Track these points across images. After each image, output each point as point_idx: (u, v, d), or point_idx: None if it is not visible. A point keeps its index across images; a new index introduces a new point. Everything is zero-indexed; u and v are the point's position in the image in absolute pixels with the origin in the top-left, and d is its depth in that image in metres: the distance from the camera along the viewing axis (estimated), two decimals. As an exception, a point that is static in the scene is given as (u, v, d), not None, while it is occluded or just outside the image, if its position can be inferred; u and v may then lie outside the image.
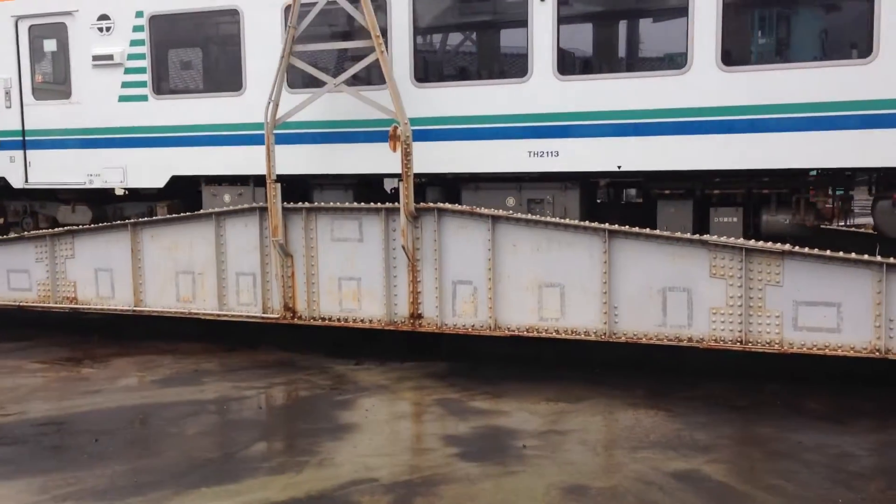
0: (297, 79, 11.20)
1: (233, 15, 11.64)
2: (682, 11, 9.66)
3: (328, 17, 10.63)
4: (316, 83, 10.90)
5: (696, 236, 9.09)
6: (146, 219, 11.54)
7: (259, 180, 11.57)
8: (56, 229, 12.02)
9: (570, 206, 10.38)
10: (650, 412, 8.18)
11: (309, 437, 7.66)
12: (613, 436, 7.62)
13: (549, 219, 9.71)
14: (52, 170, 12.78)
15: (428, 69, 10.80)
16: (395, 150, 10.03)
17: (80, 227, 11.85)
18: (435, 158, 10.42)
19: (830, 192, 10.05)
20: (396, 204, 10.05)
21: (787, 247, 8.73)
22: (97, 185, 12.51)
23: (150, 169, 12.19)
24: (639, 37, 10.79)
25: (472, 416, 8.19)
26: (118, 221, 11.84)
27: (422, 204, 10.10)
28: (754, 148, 9.46)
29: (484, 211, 9.89)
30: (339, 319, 10.52)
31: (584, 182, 10.55)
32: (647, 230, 9.31)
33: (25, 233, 12.39)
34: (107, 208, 13.16)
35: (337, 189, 11.43)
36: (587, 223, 9.52)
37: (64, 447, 7.57)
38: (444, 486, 6.44)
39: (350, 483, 6.53)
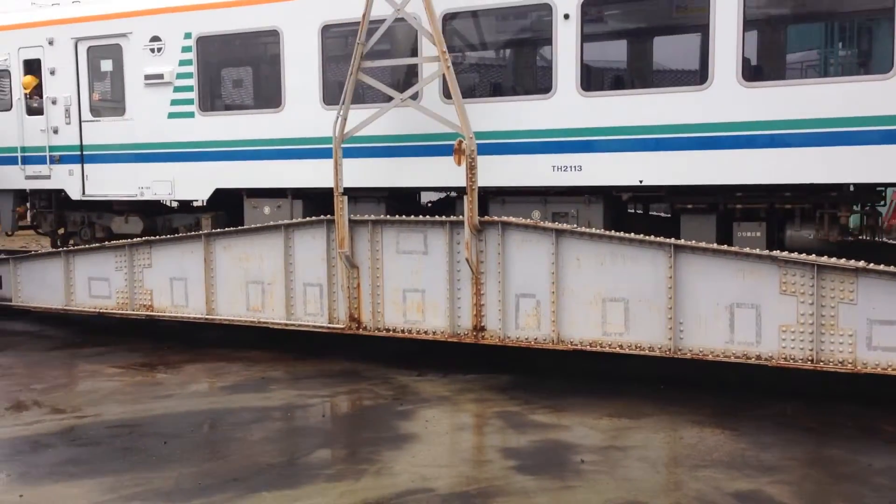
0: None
1: (273, 36, 12.20)
2: (704, 28, 9.74)
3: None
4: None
5: (766, 252, 8.89)
6: (219, 230, 11.87)
7: (296, 193, 12.25)
8: (135, 239, 12.47)
9: (593, 220, 10.50)
10: (715, 430, 8.01)
11: (369, 446, 7.75)
12: (675, 453, 7.49)
13: (613, 233, 9.63)
14: (107, 182, 13.53)
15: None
16: (459, 163, 10.12)
17: (158, 237, 12.27)
18: (481, 172, 10.56)
19: (857, 207, 9.96)
20: (461, 217, 10.12)
21: (862, 263, 8.46)
22: (147, 197, 13.23)
23: (196, 182, 12.82)
24: (661, 53, 10.95)
25: (532, 429, 8.16)
26: (192, 233, 12.21)
27: (486, 217, 10.15)
28: (774, 163, 9.49)
29: (548, 225, 9.87)
30: (402, 330, 10.63)
31: (608, 196, 10.68)
32: (715, 245, 9.15)
33: (106, 242, 12.89)
34: (157, 219, 13.84)
35: (369, 202, 11.80)
36: (652, 238, 9.42)
37: (134, 449, 7.84)
38: (499, 498, 6.44)
39: (406, 492, 6.58)
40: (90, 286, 12.75)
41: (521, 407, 8.90)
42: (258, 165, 12.33)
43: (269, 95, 12.47)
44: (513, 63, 11.45)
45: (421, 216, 10.65)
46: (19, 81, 14.18)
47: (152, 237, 12.34)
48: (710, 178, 9.84)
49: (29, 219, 15.16)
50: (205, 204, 13.20)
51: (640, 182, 10.17)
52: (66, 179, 13.92)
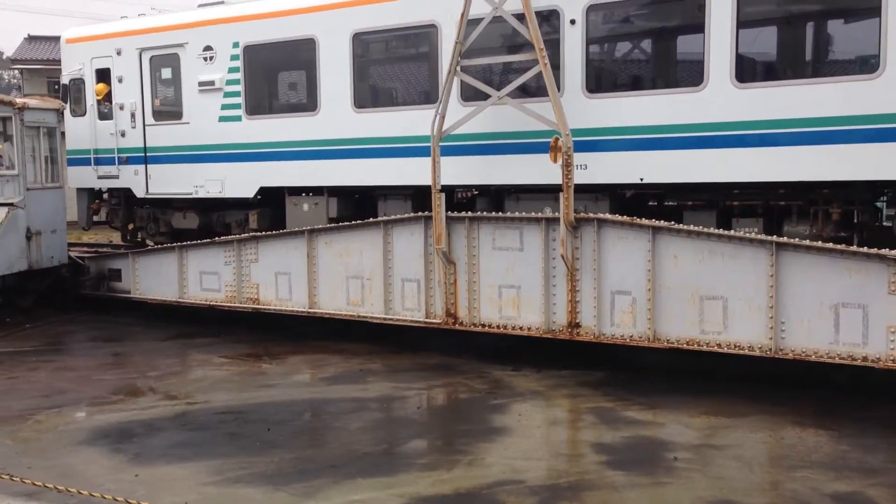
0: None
1: (310, 43, 12.90)
2: (699, 28, 10.00)
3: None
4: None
5: (874, 250, 8.57)
6: (321, 226, 12.26)
7: (332, 191, 13.05)
8: (243, 235, 13.01)
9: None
10: (816, 431, 7.81)
11: (463, 438, 7.90)
12: (772, 453, 7.35)
13: (712, 230, 9.49)
14: (167, 181, 14.61)
15: (477, 90, 11.17)
16: (555, 161, 10.16)
17: (264, 233, 12.77)
18: (484, 171, 11.10)
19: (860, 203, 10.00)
20: (557, 214, 10.15)
21: (978, 262, 8.08)
22: (201, 195, 14.23)
23: (243, 181, 13.75)
24: (658, 55, 11.22)
25: (625, 425, 8.14)
26: (297, 229, 12.65)
27: (581, 214, 10.15)
28: (766, 161, 9.70)
29: (644, 222, 9.79)
30: (498, 326, 10.74)
31: (613, 193, 10.97)
32: (819, 244, 8.89)
33: (217, 238, 13.52)
34: (212, 215, 14.76)
35: (398, 199, 12.56)
36: (753, 235, 9.23)
37: (240, 434, 8.23)
38: (588, 492, 6.48)
39: (497, 483, 6.70)
40: (201, 280, 13.38)
41: (614, 403, 8.88)
42: (297, 165, 13.21)
43: (306, 99, 13.28)
44: (525, 66, 11.51)
45: (519, 213, 10.75)
46: (92, 89, 15.40)
47: (259, 233, 12.86)
48: (706, 176, 10.16)
49: (104, 215, 16.52)
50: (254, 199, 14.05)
51: (641, 180, 10.49)
52: (132, 179, 15.11)
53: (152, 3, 16.70)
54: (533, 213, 10.67)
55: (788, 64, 10.24)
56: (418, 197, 12.32)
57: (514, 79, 10.98)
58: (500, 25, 10.85)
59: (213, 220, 14.86)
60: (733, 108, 9.92)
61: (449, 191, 11.98)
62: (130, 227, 16.09)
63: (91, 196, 15.99)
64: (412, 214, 11.35)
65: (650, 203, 11.56)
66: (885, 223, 10.46)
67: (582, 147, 10.57)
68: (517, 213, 10.75)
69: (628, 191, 10.98)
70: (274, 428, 8.30)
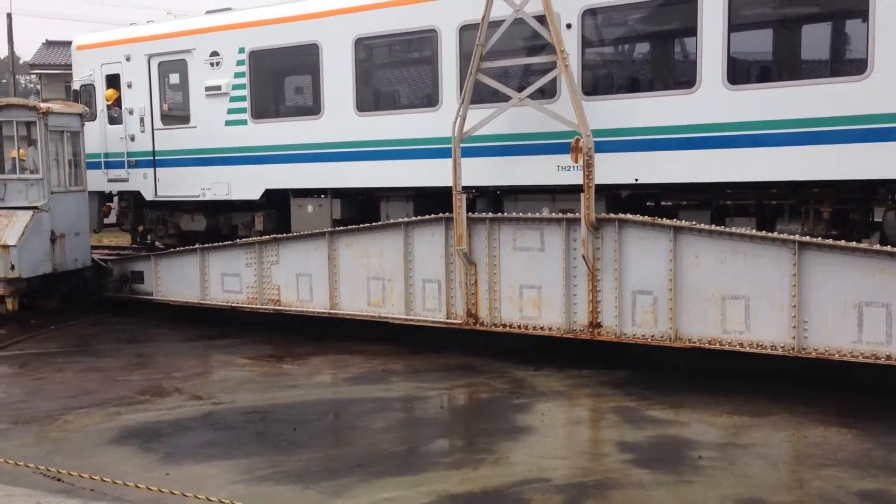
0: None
1: (313, 49, 13.21)
2: (692, 32, 10.22)
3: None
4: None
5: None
6: (342, 228, 12.35)
7: (335, 192, 13.36)
8: (264, 237, 13.12)
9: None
10: (840, 430, 7.82)
11: (486, 437, 7.95)
12: (797, 452, 7.37)
13: (734, 230, 9.52)
14: (175, 184, 14.93)
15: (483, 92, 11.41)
16: (576, 161, 10.21)
17: (285, 235, 12.88)
18: (483, 172, 11.26)
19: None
20: (577, 214, 10.19)
21: None
22: (208, 197, 14.54)
23: (249, 183, 14.07)
24: (651, 58, 11.47)
25: (649, 424, 8.17)
26: (317, 231, 12.76)
27: (602, 214, 10.18)
28: (758, 161, 9.89)
29: (665, 222, 9.83)
30: (519, 326, 10.79)
31: (609, 193, 11.14)
32: (842, 243, 8.89)
33: (238, 240, 13.64)
34: (219, 217, 15.11)
35: (399, 200, 12.86)
36: (776, 235, 9.25)
37: (266, 434, 8.32)
38: (615, 490, 6.52)
39: (523, 482, 6.75)
40: (223, 281, 13.50)
41: (637, 402, 8.92)
42: (301, 168, 13.52)
43: (310, 103, 13.57)
44: (527, 70, 11.64)
45: (539, 214, 10.82)
46: (102, 94, 15.77)
47: (280, 235, 12.96)
48: (698, 177, 10.37)
49: (115, 218, 16.95)
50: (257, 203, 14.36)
51: (636, 181, 10.68)
52: (141, 182, 15.47)
53: (166, 8, 17.14)
54: (554, 214, 10.74)
55: (779, 66, 10.42)
56: (419, 198, 12.73)
57: (529, 81, 11.18)
58: (516, 28, 10.92)
59: (220, 222, 15.24)
60: (725, 109, 10.11)
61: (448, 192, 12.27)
62: (140, 229, 16.52)
63: (101, 199, 16.27)
64: (433, 216, 11.41)
65: (648, 204, 11.66)
66: (876, 219, 10.55)
67: None
68: (538, 214, 10.81)
69: (624, 191, 11.10)
70: (299, 427, 8.39)
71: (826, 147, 9.59)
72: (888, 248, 8.62)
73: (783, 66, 10.35)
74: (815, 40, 10.22)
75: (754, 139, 9.96)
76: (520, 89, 11.06)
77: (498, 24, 10.75)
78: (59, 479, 6.78)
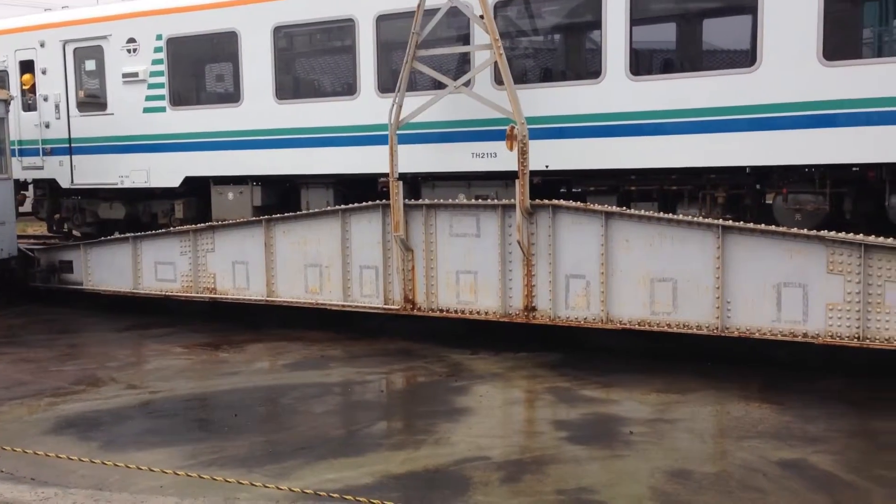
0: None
1: (232, 36, 13.36)
2: (597, 25, 10.78)
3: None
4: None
5: (813, 232, 9.06)
6: (279, 215, 12.36)
7: (256, 180, 13.62)
8: (198, 225, 13.03)
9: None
10: (761, 405, 8.25)
11: (426, 419, 8.14)
12: (721, 426, 7.76)
13: (662, 215, 9.88)
14: (93, 172, 14.89)
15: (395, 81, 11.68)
16: (511, 148, 10.45)
17: (220, 222, 12.83)
18: (403, 159, 11.39)
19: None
20: (513, 201, 10.43)
21: (909, 242, 8.60)
22: (126, 185, 14.59)
23: (168, 171, 14.15)
24: (560, 50, 12.00)
25: (582, 403, 8.48)
26: (254, 218, 12.76)
27: (537, 201, 10.45)
28: (659, 148, 10.52)
29: (598, 207, 10.15)
30: (456, 311, 11.00)
31: None
32: (763, 226, 9.34)
33: (172, 228, 13.53)
34: (138, 205, 15.10)
35: (319, 187, 13.15)
36: (700, 219, 9.66)
37: (208, 420, 8.36)
38: (551, 465, 6.79)
39: (464, 460, 6.96)
40: (156, 270, 13.36)
41: (571, 383, 9.22)
42: (221, 155, 13.66)
43: (229, 91, 13.70)
44: (451, 61, 12.07)
45: (475, 201, 11.06)
46: (17, 81, 15.57)
47: (215, 223, 12.90)
48: (604, 164, 10.92)
49: (30, 206, 16.75)
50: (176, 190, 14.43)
51: (546, 167, 11.11)
52: (56, 170, 15.38)
53: None
54: (490, 201, 10.98)
55: (677, 58, 11.00)
56: (339, 185, 13.04)
57: (455, 69, 11.56)
58: (444, 18, 11.14)
59: (140, 210, 15.21)
60: (628, 99, 10.62)
61: (372, 179, 12.48)
62: (56, 217, 16.31)
63: (16, 187, 15.89)
64: (370, 203, 11.52)
65: (561, 190, 12.06)
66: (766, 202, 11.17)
67: (491, 136, 11.22)
68: (474, 201, 11.04)
69: (535, 178, 11.43)
70: (240, 413, 8.44)
71: (720, 135, 10.22)
72: (805, 231, 9.09)
73: (681, 58, 10.93)
74: (709, 34, 10.80)
75: (655, 128, 10.52)
76: (448, 77, 11.30)
77: (431, 12, 10.92)
78: (-2, 470, 6.72)
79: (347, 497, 5.74)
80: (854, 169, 10.04)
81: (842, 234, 8.88)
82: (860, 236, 8.79)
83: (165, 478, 6.54)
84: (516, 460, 6.95)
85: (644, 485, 6.31)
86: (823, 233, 8.97)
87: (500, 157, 11.24)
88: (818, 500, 5.89)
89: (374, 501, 5.79)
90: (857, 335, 8.79)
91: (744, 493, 6.08)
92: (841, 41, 9.70)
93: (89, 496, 5.83)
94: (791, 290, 9.12)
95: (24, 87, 15.37)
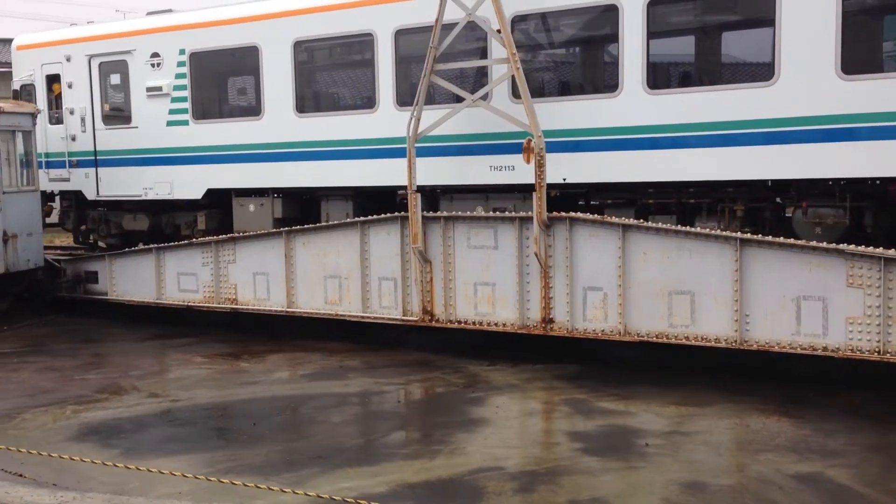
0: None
1: (253, 51, 13.59)
2: (614, 38, 10.81)
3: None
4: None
5: (833, 245, 9.01)
6: (299, 227, 12.48)
7: (277, 192, 13.73)
8: (220, 236, 13.19)
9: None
10: (780, 418, 8.21)
11: (442, 429, 8.18)
12: (738, 439, 7.73)
13: (679, 227, 9.89)
14: (118, 184, 15.17)
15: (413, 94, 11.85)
16: (528, 161, 10.50)
17: (242, 234, 12.98)
18: (421, 172, 11.46)
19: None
20: (530, 213, 10.48)
21: (929, 256, 8.54)
22: (150, 196, 14.81)
23: (191, 183, 14.36)
24: (578, 63, 12.08)
25: (599, 415, 8.48)
26: (274, 230, 12.91)
27: (554, 213, 10.49)
28: (676, 162, 10.53)
29: (615, 220, 10.16)
30: (473, 322, 11.04)
31: None
32: (781, 239, 9.31)
33: (194, 239, 13.70)
34: (162, 216, 15.33)
35: (339, 199, 13.25)
36: (718, 232, 9.65)
37: (226, 429, 8.45)
38: (565, 476, 6.80)
39: (478, 470, 7.00)
40: (179, 281, 13.52)
41: (588, 395, 9.23)
42: (243, 167, 13.86)
43: (250, 104, 13.92)
44: (468, 77, 12.20)
45: (491, 212, 11.13)
46: (44, 95, 15.91)
47: (237, 234, 13.05)
48: (622, 177, 10.97)
49: (56, 218, 17.09)
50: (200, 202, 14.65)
51: (564, 180, 11.17)
52: (82, 181, 15.68)
53: (112, 6, 17.28)
54: (507, 213, 11.04)
55: (695, 72, 11.01)
56: (358, 197, 13.18)
57: (473, 82, 11.72)
58: (462, 32, 11.25)
59: (163, 222, 15.45)
60: (645, 112, 10.65)
61: (391, 191, 12.53)
62: (82, 228, 16.58)
63: (43, 199, 16.19)
64: (389, 215, 11.60)
65: (580, 202, 12.08)
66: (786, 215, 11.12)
67: (509, 149, 11.28)
68: (492, 213, 11.11)
69: (553, 191, 11.48)
70: (259, 423, 8.53)
71: (738, 149, 10.23)
72: (824, 244, 9.04)
73: (699, 72, 10.96)
74: (728, 48, 10.84)
75: (673, 141, 10.54)
76: (465, 91, 11.38)
77: (448, 27, 11.02)
78: (20, 475, 6.83)
79: (361, 502, 5.79)
80: (875, 182, 9.98)
81: (861, 248, 8.82)
82: (880, 250, 8.73)
83: (184, 484, 6.62)
84: (531, 471, 6.97)
85: (658, 496, 6.31)
86: (843, 246, 8.93)
87: (517, 170, 11.28)
88: (833, 514, 5.87)
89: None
90: (877, 349, 8.71)
91: (758, 506, 6.07)
92: (859, 55, 9.67)
93: (106, 500, 5.92)
94: (811, 303, 9.07)
95: (54, 95, 15.68)
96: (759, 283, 9.30)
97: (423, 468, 7.10)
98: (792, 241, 9.25)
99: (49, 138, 15.82)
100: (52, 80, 15.78)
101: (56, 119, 15.82)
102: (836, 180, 10.05)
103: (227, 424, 8.58)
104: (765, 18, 10.09)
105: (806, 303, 9.09)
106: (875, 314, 8.72)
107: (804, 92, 9.85)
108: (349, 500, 5.48)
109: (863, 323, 8.80)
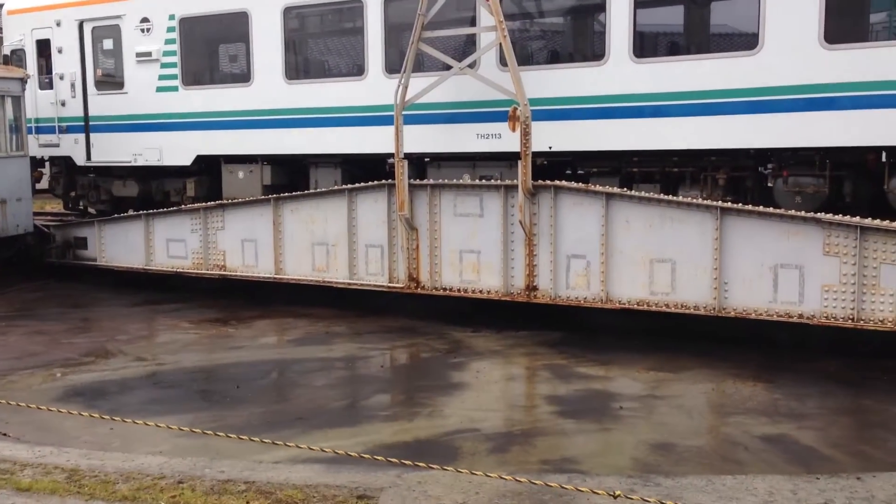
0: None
1: (243, 17, 13.53)
2: (601, 7, 10.81)
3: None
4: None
5: (810, 214, 9.10)
6: (287, 194, 12.54)
7: (266, 159, 13.73)
8: (209, 203, 13.25)
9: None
10: (753, 383, 8.36)
11: (423, 393, 8.33)
12: (711, 402, 7.88)
13: (661, 196, 9.97)
14: (107, 150, 15.15)
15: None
16: (514, 129, 10.55)
17: (231, 201, 13.05)
18: (409, 140, 11.46)
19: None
20: (515, 182, 10.55)
21: (906, 224, 8.63)
22: (140, 163, 14.83)
23: (180, 149, 14.36)
24: (564, 32, 12.05)
25: (577, 380, 8.63)
26: (262, 197, 12.97)
27: (539, 181, 10.55)
28: (660, 130, 10.59)
29: (599, 189, 10.23)
30: (459, 290, 11.15)
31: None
32: (760, 208, 9.40)
33: (183, 206, 13.77)
34: (151, 182, 15.34)
35: (328, 167, 13.26)
36: (699, 201, 9.73)
37: (210, 391, 8.59)
38: (539, 437, 6.95)
39: (455, 431, 7.14)
40: (168, 247, 13.60)
41: (568, 360, 9.37)
42: (232, 134, 13.86)
43: (240, 71, 13.88)
44: (447, 44, 12.15)
45: (478, 180, 11.19)
46: (34, 60, 15.82)
47: (226, 201, 13.12)
48: (607, 145, 11.03)
49: (46, 183, 17.14)
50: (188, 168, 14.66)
51: (550, 148, 11.20)
52: (72, 147, 15.67)
53: None
54: (493, 181, 11.11)
55: (680, 41, 11.02)
56: (346, 164, 13.20)
57: (460, 50, 11.69)
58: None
59: (153, 188, 15.47)
60: (631, 81, 10.70)
61: (380, 159, 12.59)
62: (72, 194, 16.62)
63: (32, 164, 16.22)
64: (375, 182, 11.67)
65: (567, 171, 12.06)
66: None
67: (496, 117, 11.29)
68: (478, 181, 11.17)
69: (540, 159, 11.52)
70: (243, 385, 8.66)
71: (722, 118, 10.28)
72: (801, 213, 9.14)
73: (684, 41, 10.97)
74: (713, 17, 10.83)
75: (658, 110, 10.58)
76: (453, 59, 11.39)
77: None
78: (4, 434, 6.97)
79: (339, 451, 5.92)
80: (855, 152, 10.05)
81: (838, 217, 8.92)
82: (856, 218, 8.83)
83: (164, 443, 6.76)
84: (506, 433, 7.12)
85: (627, 456, 6.46)
86: (820, 215, 9.02)
87: (504, 139, 11.34)
88: (794, 472, 6.00)
89: (352, 454, 5.97)
90: (851, 316, 8.84)
91: (723, 465, 6.21)
92: (842, 25, 9.70)
93: (83, 455, 6.06)
94: (788, 271, 9.18)
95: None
96: (739, 252, 9.40)
97: (402, 429, 7.25)
98: (770, 210, 9.34)
99: (39, 103, 15.82)
100: (43, 45, 15.73)
101: (46, 84, 15.79)
102: (818, 149, 10.12)
103: (211, 387, 8.72)
104: None
105: (783, 271, 9.20)
106: (850, 282, 8.84)
107: (788, 61, 9.89)
108: (326, 449, 5.61)
109: (838, 291, 8.92)
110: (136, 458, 6.16)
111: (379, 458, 5.39)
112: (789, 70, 9.90)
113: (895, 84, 9.40)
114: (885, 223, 8.70)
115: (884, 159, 9.80)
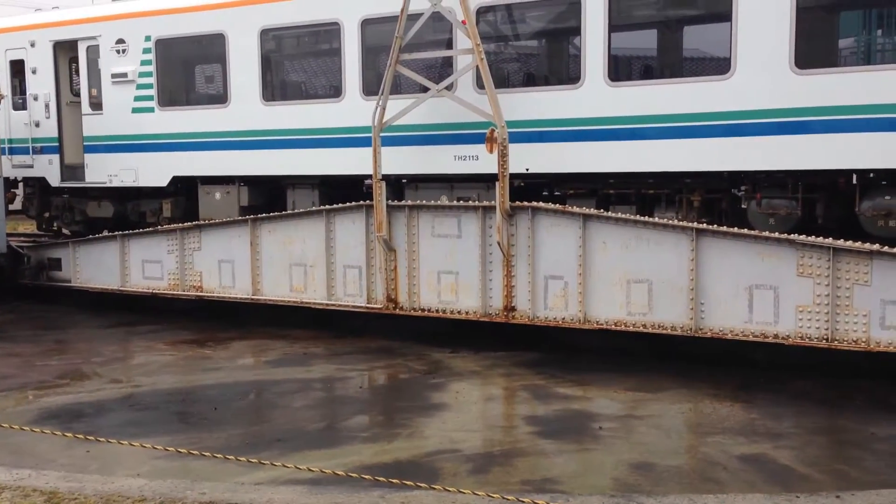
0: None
1: (220, 38, 13.61)
2: (576, 31, 11.00)
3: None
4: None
5: (784, 235, 9.24)
6: (264, 215, 12.52)
7: (243, 180, 13.77)
8: (185, 224, 13.19)
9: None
10: (730, 403, 8.43)
11: (402, 414, 8.31)
12: (689, 422, 7.95)
13: (638, 217, 10.10)
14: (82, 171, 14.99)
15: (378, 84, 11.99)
16: (491, 151, 10.64)
17: (207, 221, 13.00)
18: (387, 161, 11.56)
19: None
20: (493, 203, 10.62)
21: (876, 246, 8.78)
22: (115, 184, 14.78)
23: (156, 170, 14.34)
24: (540, 55, 12.32)
25: (556, 400, 8.66)
26: (240, 217, 12.94)
27: (517, 203, 10.63)
28: (636, 153, 10.75)
29: (576, 210, 10.33)
30: (437, 311, 11.17)
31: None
32: (735, 229, 9.54)
33: (159, 227, 13.70)
34: (127, 204, 15.30)
35: (305, 188, 13.33)
36: (675, 222, 9.85)
37: (187, 413, 8.51)
38: (520, 458, 6.96)
39: (435, 452, 7.14)
40: (144, 268, 13.50)
41: (547, 381, 9.40)
42: (209, 155, 13.90)
43: (217, 92, 13.95)
44: (433, 67, 12.32)
45: (455, 202, 11.26)
46: (7, 81, 15.75)
47: (202, 222, 13.07)
48: (584, 167, 11.16)
49: (20, 204, 16.96)
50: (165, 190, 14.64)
51: (527, 170, 11.33)
52: (46, 168, 15.63)
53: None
54: (471, 202, 11.18)
55: (655, 65, 11.27)
56: (324, 186, 13.25)
57: (438, 73, 11.82)
58: (427, 23, 11.35)
59: (128, 209, 15.40)
60: (607, 104, 10.86)
61: (358, 180, 12.65)
62: (46, 215, 16.49)
63: (5, 185, 16.10)
64: (354, 203, 11.69)
65: (543, 193, 12.14)
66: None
67: (474, 139, 11.38)
68: (456, 202, 11.24)
69: (517, 181, 11.61)
70: (221, 407, 8.60)
71: (696, 141, 10.46)
72: (776, 234, 9.28)
73: (658, 64, 11.21)
74: (686, 42, 11.06)
75: (633, 132, 10.74)
76: (431, 81, 11.50)
77: (414, 17, 11.13)
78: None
79: (326, 471, 5.90)
80: (826, 175, 10.23)
81: (811, 238, 9.06)
82: (829, 240, 8.97)
83: (142, 465, 6.69)
84: (486, 453, 7.13)
85: (607, 476, 6.49)
86: (793, 236, 9.16)
87: (481, 160, 11.42)
88: (773, 491, 6.06)
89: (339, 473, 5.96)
90: (826, 336, 8.96)
91: (702, 485, 6.26)
92: (812, 50, 9.93)
93: (62, 477, 5.99)
94: (762, 291, 9.30)
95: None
96: (714, 273, 9.52)
97: (382, 450, 7.23)
98: (745, 231, 9.48)
99: (13, 124, 15.72)
100: (16, 65, 15.66)
101: (20, 104, 15.68)
102: (790, 172, 10.30)
103: (188, 409, 8.64)
104: (722, 13, 10.31)
105: (758, 291, 9.32)
106: (824, 303, 8.97)
107: (759, 85, 10.09)
108: (313, 469, 5.59)
109: (812, 311, 9.05)
110: (116, 480, 6.10)
111: (366, 476, 5.38)
112: (761, 94, 10.09)
113: (865, 108, 9.62)
114: (857, 244, 8.84)
115: (854, 182, 9.99)
